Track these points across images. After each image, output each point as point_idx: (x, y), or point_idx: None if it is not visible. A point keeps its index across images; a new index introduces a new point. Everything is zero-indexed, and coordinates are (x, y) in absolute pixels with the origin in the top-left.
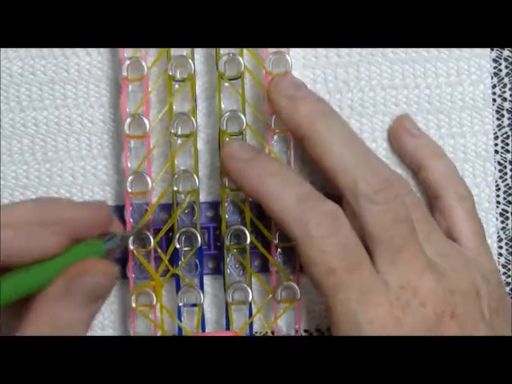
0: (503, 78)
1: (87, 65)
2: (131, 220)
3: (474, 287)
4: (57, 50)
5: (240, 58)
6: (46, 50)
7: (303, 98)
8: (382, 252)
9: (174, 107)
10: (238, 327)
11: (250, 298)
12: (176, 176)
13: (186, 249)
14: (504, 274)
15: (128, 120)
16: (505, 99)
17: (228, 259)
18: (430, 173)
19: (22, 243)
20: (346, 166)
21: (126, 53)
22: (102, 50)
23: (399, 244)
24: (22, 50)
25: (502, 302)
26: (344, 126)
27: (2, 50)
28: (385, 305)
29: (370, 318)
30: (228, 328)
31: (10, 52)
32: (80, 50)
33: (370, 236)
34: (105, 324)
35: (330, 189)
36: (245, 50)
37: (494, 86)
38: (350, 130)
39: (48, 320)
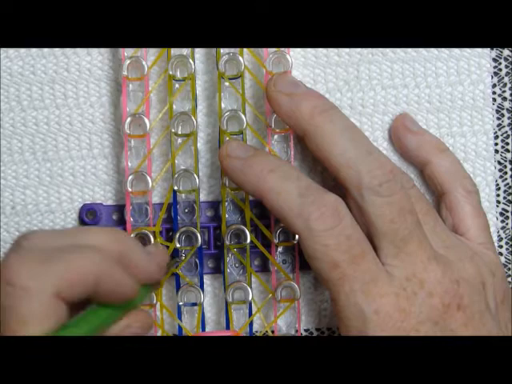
0: (503, 78)
1: (88, 64)
2: (131, 219)
3: (480, 278)
4: (57, 50)
5: (240, 58)
6: (46, 50)
7: (303, 95)
8: (386, 244)
9: (175, 106)
10: (238, 326)
11: (250, 298)
12: (176, 175)
13: (186, 248)
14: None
15: (128, 119)
16: (505, 98)
17: (228, 258)
18: (435, 168)
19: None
20: (350, 159)
21: (127, 52)
22: (103, 49)
23: (404, 235)
24: (22, 50)
25: (507, 295)
26: (345, 120)
27: (3, 49)
28: (390, 295)
29: (375, 309)
30: (228, 327)
31: (11, 51)
32: (80, 50)
33: (375, 229)
34: None
35: (331, 187)
36: (245, 50)
37: (494, 86)
38: (351, 123)
39: None
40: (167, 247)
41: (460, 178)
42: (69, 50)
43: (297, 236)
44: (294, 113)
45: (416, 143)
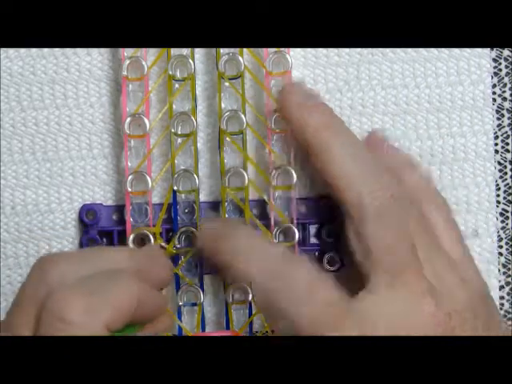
0: (503, 78)
1: (88, 64)
2: (131, 219)
3: (470, 307)
4: (57, 50)
5: (240, 58)
6: (46, 50)
7: (313, 107)
8: (381, 273)
9: (174, 106)
10: (238, 326)
11: (250, 298)
12: (176, 175)
13: (186, 250)
14: (504, 273)
15: (128, 119)
16: (505, 99)
17: None
18: (406, 185)
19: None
20: (351, 177)
21: (126, 52)
22: (103, 50)
23: (400, 264)
24: (22, 50)
25: (493, 316)
26: (352, 138)
27: (3, 49)
28: None
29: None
30: (228, 327)
31: (11, 51)
32: (80, 50)
33: (370, 255)
34: None
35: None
36: (245, 50)
37: (494, 86)
38: (357, 142)
39: None
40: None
41: (430, 195)
42: (69, 51)
43: (296, 236)
44: (302, 125)
45: (387, 161)
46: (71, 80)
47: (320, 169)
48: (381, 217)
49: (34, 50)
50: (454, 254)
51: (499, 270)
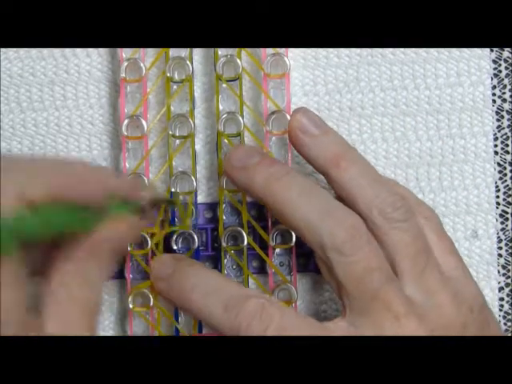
0: (503, 79)
1: (87, 66)
2: None
3: (459, 320)
4: (57, 52)
5: (238, 60)
6: (45, 52)
7: (256, 165)
8: (353, 306)
9: (172, 108)
10: None
11: None
12: (174, 177)
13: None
14: (504, 275)
15: (126, 121)
16: (505, 100)
17: (225, 260)
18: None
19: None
20: (309, 222)
21: (125, 54)
22: (102, 51)
23: (370, 296)
24: (22, 51)
25: (487, 327)
26: (301, 181)
27: (2, 50)
28: None
29: None
30: None
31: (10, 53)
32: (80, 52)
33: (344, 289)
34: (105, 324)
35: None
36: (243, 52)
37: (493, 87)
38: (307, 183)
39: (75, 277)
40: (163, 249)
41: (418, 204)
42: (68, 52)
43: (294, 238)
44: (250, 186)
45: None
46: (71, 81)
47: (280, 219)
48: (345, 253)
49: (33, 51)
50: (447, 267)
51: (499, 272)
